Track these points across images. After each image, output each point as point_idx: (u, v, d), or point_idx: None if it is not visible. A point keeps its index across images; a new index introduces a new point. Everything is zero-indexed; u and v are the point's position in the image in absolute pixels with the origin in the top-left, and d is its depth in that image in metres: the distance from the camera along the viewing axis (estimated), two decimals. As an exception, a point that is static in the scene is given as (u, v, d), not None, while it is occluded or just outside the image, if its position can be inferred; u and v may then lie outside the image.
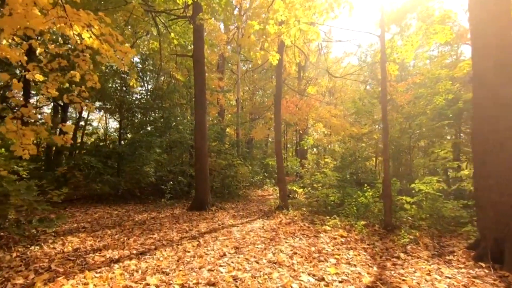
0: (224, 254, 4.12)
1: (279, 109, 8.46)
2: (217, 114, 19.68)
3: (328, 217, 6.78)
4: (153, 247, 4.44)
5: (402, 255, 4.27)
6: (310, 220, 6.65)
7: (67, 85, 6.37)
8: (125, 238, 4.91)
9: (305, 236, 5.25)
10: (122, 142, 11.74)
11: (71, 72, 5.41)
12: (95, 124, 22.77)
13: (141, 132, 11.83)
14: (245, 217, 7.25)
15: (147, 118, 13.12)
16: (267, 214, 7.63)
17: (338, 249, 4.52)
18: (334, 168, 9.80)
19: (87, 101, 11.79)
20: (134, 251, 4.17)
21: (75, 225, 5.98)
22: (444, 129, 10.90)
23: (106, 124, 17.09)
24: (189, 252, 4.23)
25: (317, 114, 15.90)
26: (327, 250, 4.42)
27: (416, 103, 11.07)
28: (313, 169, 14.29)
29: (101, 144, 10.98)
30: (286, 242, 4.83)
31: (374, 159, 17.79)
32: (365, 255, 4.29)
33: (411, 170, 11.04)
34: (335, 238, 5.12)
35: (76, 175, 9.27)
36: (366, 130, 13.50)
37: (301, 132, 19.80)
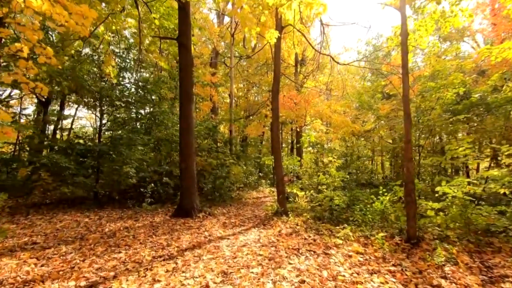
0: (207, 286, 3.02)
1: (276, 101, 7.39)
2: (210, 111, 18.57)
3: (336, 226, 5.73)
4: (112, 273, 3.31)
5: (443, 282, 3.23)
6: (315, 229, 5.59)
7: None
8: (80, 260, 3.76)
9: (313, 253, 4.19)
10: (104, 139, 10.56)
11: (16, 44, 4.24)
12: (83, 122, 21.38)
13: (126, 127, 10.66)
14: (237, 226, 6.16)
15: (136, 115, 11.91)
16: (264, 222, 6.55)
17: (358, 273, 3.46)
18: (336, 168, 8.78)
19: (73, 97, 10.44)
20: (83, 283, 3.04)
21: (26, 239, 4.80)
22: (457, 125, 9.99)
23: (96, 122, 15.82)
24: (159, 281, 3.12)
25: (316, 111, 14.91)
26: (343, 276, 3.36)
27: (427, 97, 10.14)
28: (312, 169, 13.26)
29: (76, 141, 9.71)
30: (290, 263, 3.75)
31: (375, 158, 16.90)
32: (394, 282, 3.25)
33: (421, 170, 10.12)
34: (350, 256, 4.07)
35: (43, 177, 8.04)
36: (369, 126, 12.57)
37: (298, 130, 18.82)
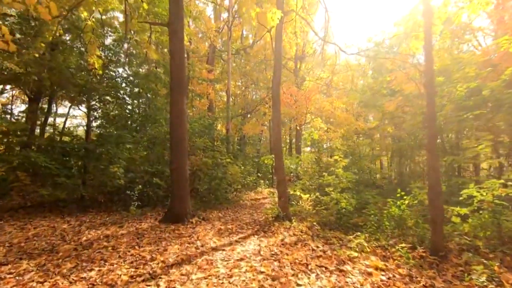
0: (194, 321, 2.33)
1: (277, 92, 6.69)
2: (206, 109, 17.90)
3: (345, 234, 5.07)
4: (74, 302, 2.61)
5: (493, 311, 2.57)
6: (323, 238, 4.91)
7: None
8: (39, 282, 3.04)
9: (324, 270, 3.50)
10: (95, 137, 9.84)
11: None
12: (78, 121, 20.46)
13: (116, 125, 9.96)
14: (234, 233, 5.46)
15: (128, 112, 11.14)
16: (264, 228, 5.86)
17: (384, 299, 2.79)
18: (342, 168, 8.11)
19: (60, 92, 9.64)
20: (31, 318, 2.33)
21: (-16, 251, 4.08)
22: (470, 122, 9.39)
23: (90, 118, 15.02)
24: (133, 313, 2.42)
25: (317, 108, 14.26)
26: (367, 303, 2.68)
27: (438, 92, 9.54)
28: (313, 169, 12.59)
29: (58, 139, 8.96)
30: (298, 285, 3.06)
31: (378, 157, 16.26)
32: (431, 311, 2.57)
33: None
34: (370, 274, 3.39)
35: (20, 177, 7.29)
36: (373, 124, 11.94)
37: (298, 128, 18.18)
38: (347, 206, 6.19)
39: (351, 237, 4.57)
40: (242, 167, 12.04)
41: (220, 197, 9.25)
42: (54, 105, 15.86)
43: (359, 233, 4.74)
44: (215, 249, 4.37)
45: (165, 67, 12.05)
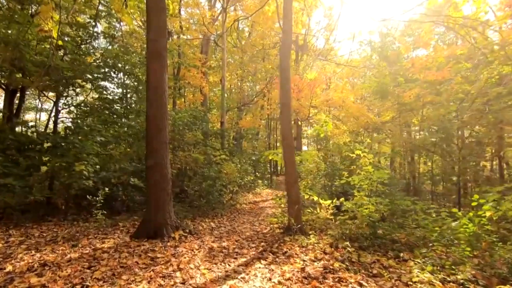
0: None
1: (287, 67, 5.15)
2: (200, 105, 16.36)
3: (385, 255, 3.57)
4: None
5: None
6: (360, 264, 3.39)
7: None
8: None
9: None
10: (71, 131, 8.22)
11: None
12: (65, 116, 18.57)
13: (92, 115, 8.36)
14: (231, 256, 3.90)
15: (110, 103, 9.47)
16: (272, 246, 4.32)
17: None
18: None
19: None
20: None
21: None
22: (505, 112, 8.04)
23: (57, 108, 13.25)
24: None
25: (321, 101, 12.77)
26: None
27: (469, 77, 8.16)
28: (318, 168, 11.14)
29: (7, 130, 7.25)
30: None
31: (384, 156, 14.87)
32: None
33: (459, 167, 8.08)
34: None
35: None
36: (389, 116, 10.53)
37: (299, 123, 16.68)
38: (373, 215, 4.72)
39: (416, 271, 3.00)
40: (239, 165, 10.49)
41: (213, 201, 7.68)
42: (39, 101, 14.15)
43: (417, 260, 3.22)
44: (203, 286, 2.81)
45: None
